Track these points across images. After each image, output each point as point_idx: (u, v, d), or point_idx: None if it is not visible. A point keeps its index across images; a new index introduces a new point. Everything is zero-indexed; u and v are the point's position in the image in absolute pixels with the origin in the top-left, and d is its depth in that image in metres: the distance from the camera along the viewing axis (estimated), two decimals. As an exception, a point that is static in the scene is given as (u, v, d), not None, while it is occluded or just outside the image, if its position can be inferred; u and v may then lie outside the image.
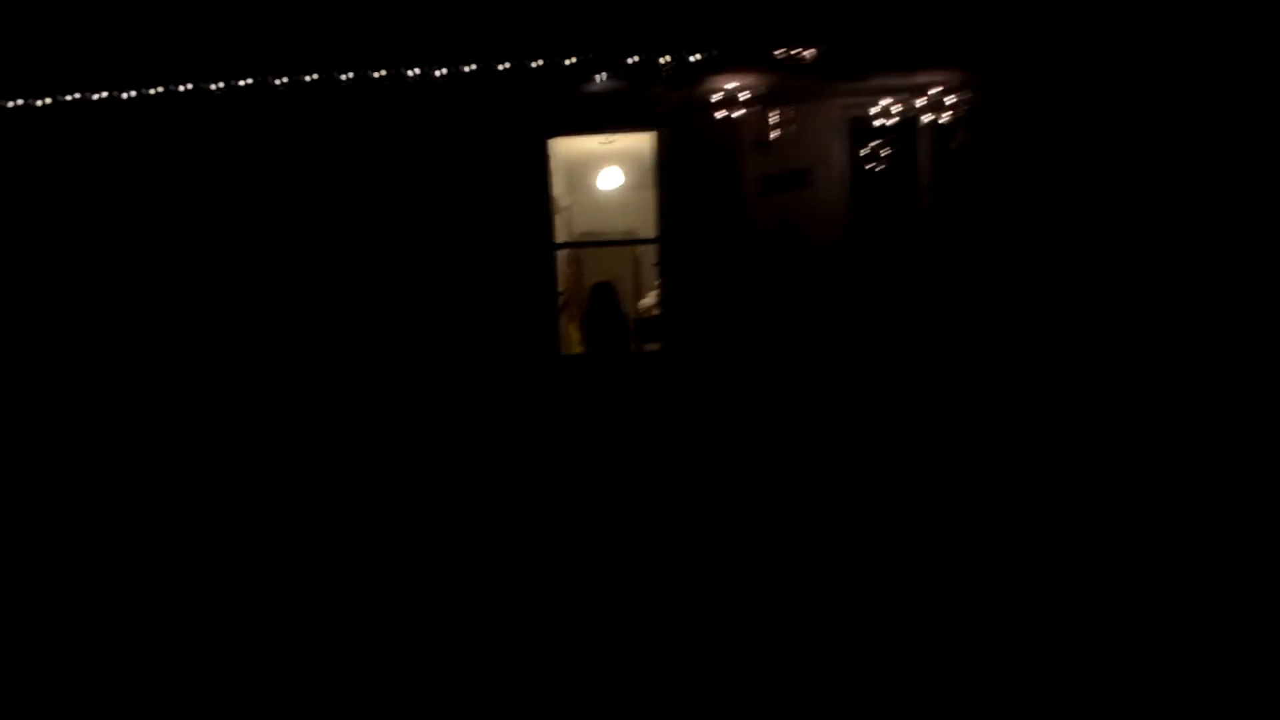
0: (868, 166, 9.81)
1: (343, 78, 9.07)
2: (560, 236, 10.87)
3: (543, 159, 9.78)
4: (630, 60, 8.94)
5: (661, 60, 8.89)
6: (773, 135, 9.47)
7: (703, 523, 7.68)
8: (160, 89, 8.93)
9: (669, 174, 9.82)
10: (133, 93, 8.95)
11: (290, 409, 9.54)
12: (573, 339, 11.62)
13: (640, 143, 11.13)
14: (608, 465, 9.02)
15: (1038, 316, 9.53)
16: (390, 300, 9.71)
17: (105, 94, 9.00)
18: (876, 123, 9.57)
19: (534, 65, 9.04)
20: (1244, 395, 8.81)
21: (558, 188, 11.56)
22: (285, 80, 9.05)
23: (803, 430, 9.34)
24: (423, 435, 9.35)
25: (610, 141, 11.99)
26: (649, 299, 12.02)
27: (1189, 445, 8.27)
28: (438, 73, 9.07)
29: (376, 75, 9.08)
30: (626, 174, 12.84)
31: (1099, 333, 9.42)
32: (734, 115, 9.28)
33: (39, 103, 9.05)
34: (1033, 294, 9.56)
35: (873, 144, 9.74)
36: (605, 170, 12.75)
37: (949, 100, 9.36)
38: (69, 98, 9.00)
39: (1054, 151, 9.58)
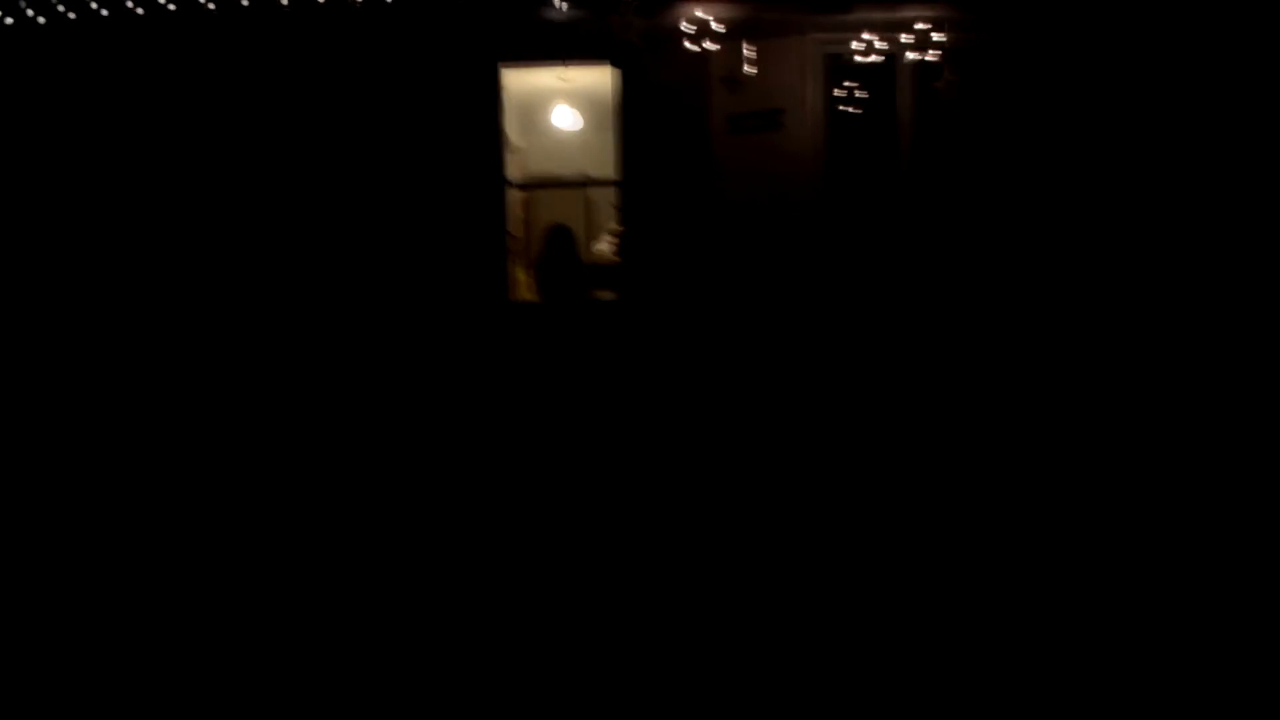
0: (844, 109, 9.15)
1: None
2: (513, 178, 10.20)
3: (494, 86, 9.05)
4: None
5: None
6: (744, 70, 8.80)
7: (655, 483, 7.07)
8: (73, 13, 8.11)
9: (630, 111, 9.13)
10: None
11: (204, 351, 8.79)
12: (522, 285, 10.97)
13: (600, 80, 10.37)
14: (557, 420, 8.40)
15: (1024, 284, 8.96)
16: (325, 236, 8.94)
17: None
18: (855, 60, 8.89)
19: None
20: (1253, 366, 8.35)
21: (511, 128, 10.86)
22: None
23: (763, 392, 8.77)
24: (357, 383, 8.66)
25: (567, 78, 11.25)
26: (604, 244, 11.37)
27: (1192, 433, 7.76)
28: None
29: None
30: (585, 114, 12.13)
31: (1094, 301, 8.88)
32: (702, 48, 8.60)
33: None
34: (1020, 258, 8.98)
35: (850, 85, 9.07)
36: (561, 108, 12.02)
37: (935, 38, 8.71)
38: None
39: (1048, 99, 8.97)
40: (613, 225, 11.56)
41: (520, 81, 11.00)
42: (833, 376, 8.85)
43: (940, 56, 8.80)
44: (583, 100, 11.88)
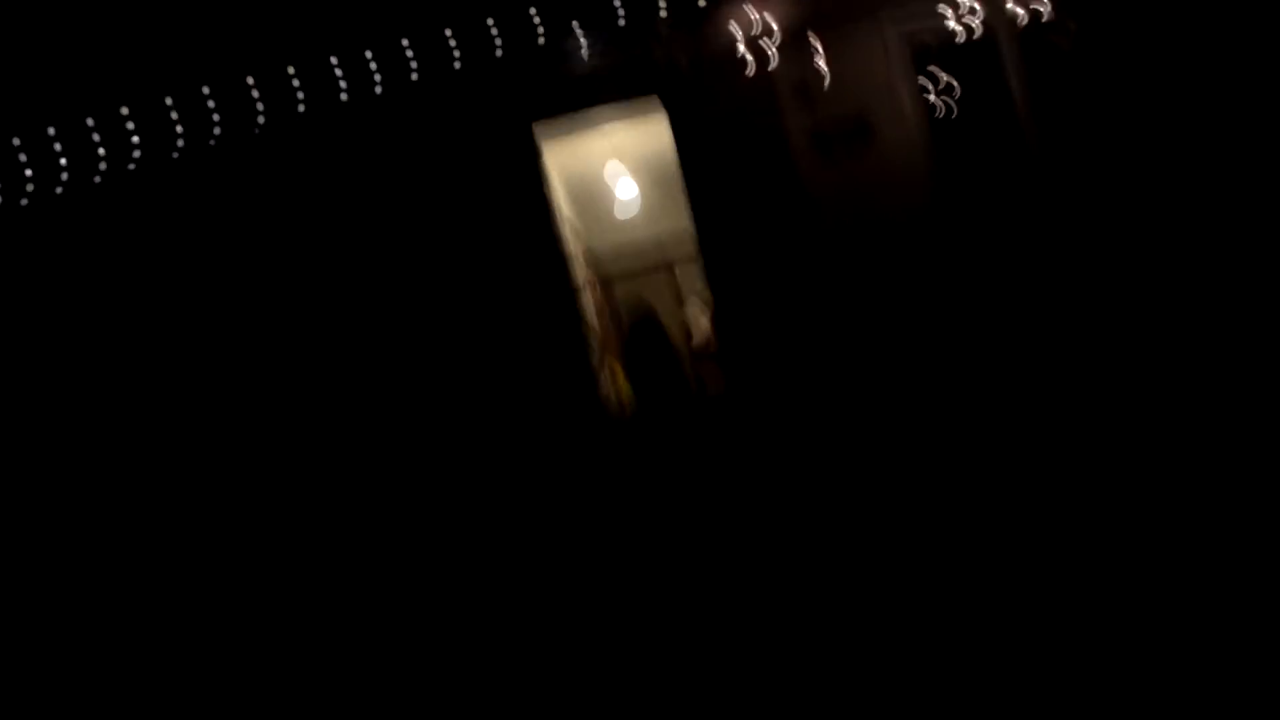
0: (943, 98, 7.61)
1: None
2: (578, 265, 8.83)
3: (533, 153, 7.66)
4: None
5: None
6: (817, 74, 7.33)
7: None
8: None
9: (693, 152, 7.70)
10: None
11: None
12: (621, 389, 9.53)
13: (654, 135, 9.07)
14: (674, 564, 6.67)
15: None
16: (365, 372, 7.51)
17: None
18: (944, 34, 7.35)
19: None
20: None
21: (569, 209, 9.62)
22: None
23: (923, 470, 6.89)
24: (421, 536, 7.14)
25: (617, 139, 9.88)
26: (697, 313, 9.90)
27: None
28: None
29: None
30: (648, 176, 10.77)
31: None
32: (762, 56, 7.17)
33: None
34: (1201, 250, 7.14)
35: (943, 66, 7.54)
36: (620, 179, 10.62)
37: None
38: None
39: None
40: (704, 291, 10.13)
41: (568, 156, 9.71)
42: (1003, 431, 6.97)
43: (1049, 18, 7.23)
44: (641, 162, 10.52)
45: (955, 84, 7.58)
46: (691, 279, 10.40)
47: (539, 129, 7.77)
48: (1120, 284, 7.17)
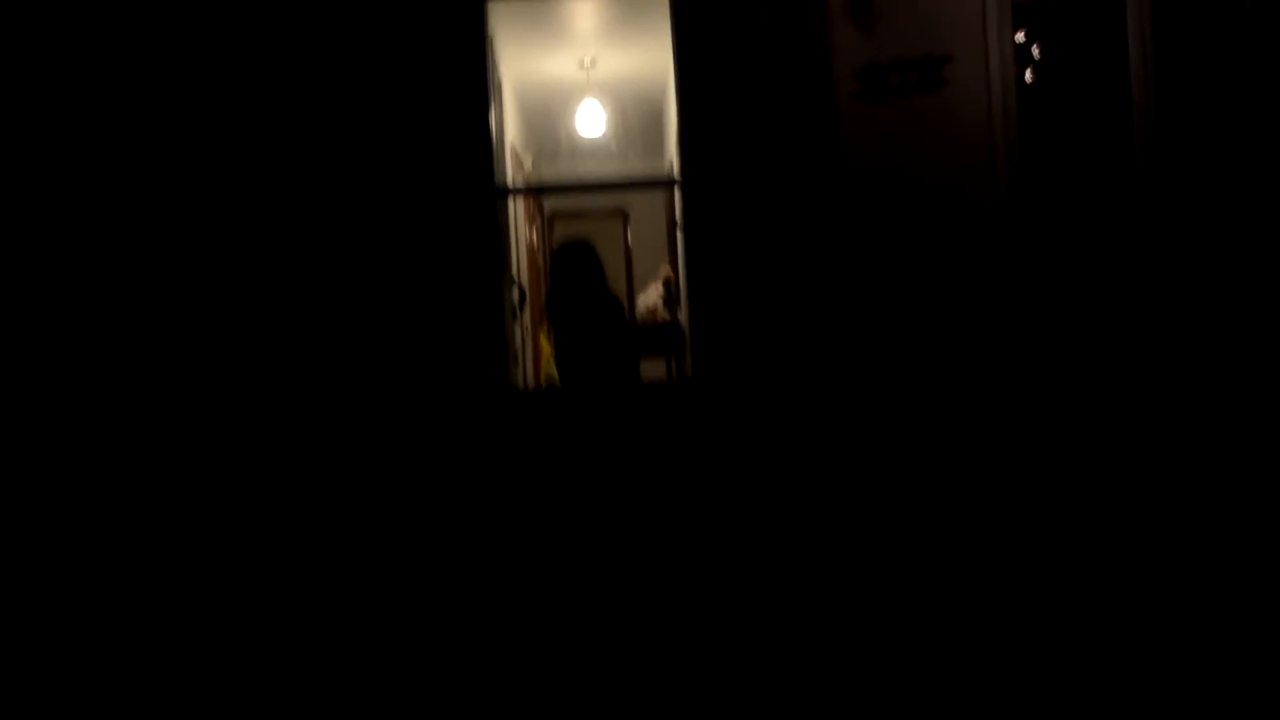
0: (1041, 57, 5.68)
1: None
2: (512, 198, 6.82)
3: (480, 35, 5.57)
4: None
5: None
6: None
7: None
8: None
9: (698, 63, 5.62)
10: None
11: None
12: (544, 359, 7.60)
13: (642, 64, 7.07)
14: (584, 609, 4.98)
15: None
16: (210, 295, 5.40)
17: None
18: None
19: None
20: None
21: (517, 136, 7.70)
22: None
23: (930, 520, 5.23)
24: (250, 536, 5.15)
25: (592, 65, 7.85)
26: (650, 293, 7.93)
27: None
28: None
29: None
30: (620, 117, 8.74)
31: None
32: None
33: None
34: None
35: (1046, 20, 5.60)
36: (587, 106, 8.53)
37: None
38: None
39: None
40: (664, 269, 8.18)
41: (527, 71, 7.71)
42: (1039, 486, 5.30)
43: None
44: (616, 96, 8.45)
45: (1061, 42, 5.63)
46: (650, 244, 8.62)
47: (494, 10, 5.71)
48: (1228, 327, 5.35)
